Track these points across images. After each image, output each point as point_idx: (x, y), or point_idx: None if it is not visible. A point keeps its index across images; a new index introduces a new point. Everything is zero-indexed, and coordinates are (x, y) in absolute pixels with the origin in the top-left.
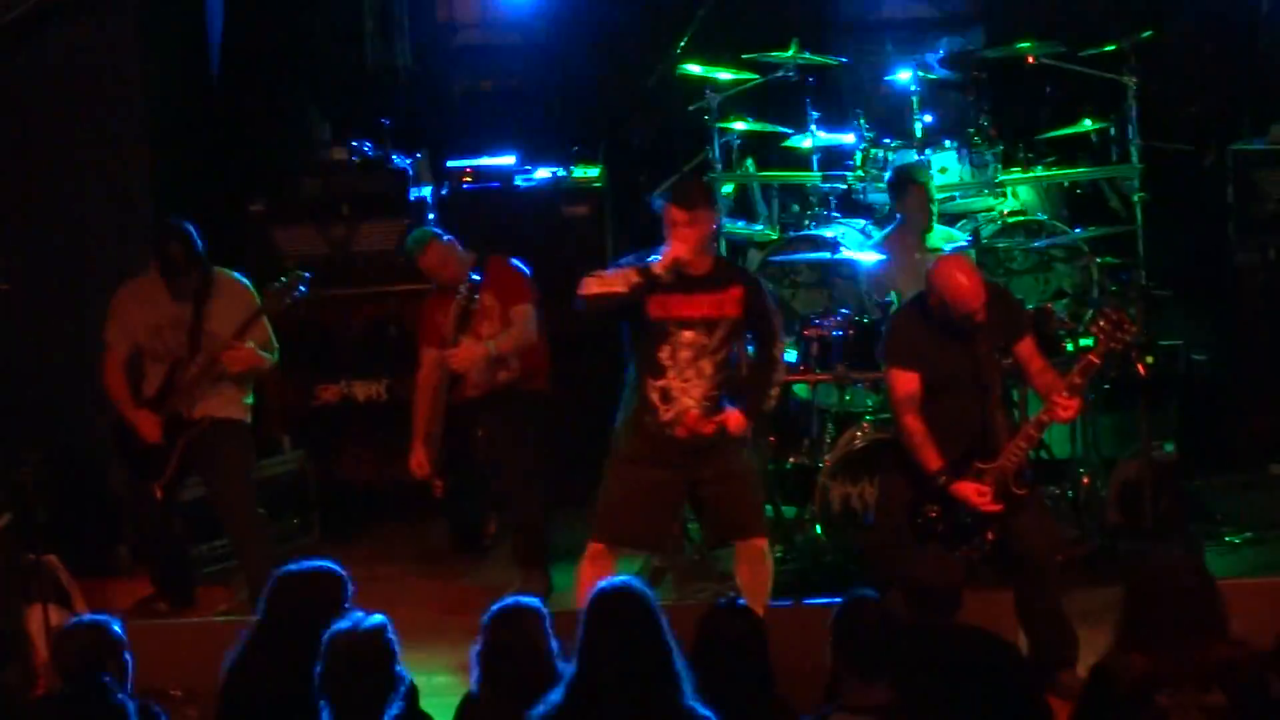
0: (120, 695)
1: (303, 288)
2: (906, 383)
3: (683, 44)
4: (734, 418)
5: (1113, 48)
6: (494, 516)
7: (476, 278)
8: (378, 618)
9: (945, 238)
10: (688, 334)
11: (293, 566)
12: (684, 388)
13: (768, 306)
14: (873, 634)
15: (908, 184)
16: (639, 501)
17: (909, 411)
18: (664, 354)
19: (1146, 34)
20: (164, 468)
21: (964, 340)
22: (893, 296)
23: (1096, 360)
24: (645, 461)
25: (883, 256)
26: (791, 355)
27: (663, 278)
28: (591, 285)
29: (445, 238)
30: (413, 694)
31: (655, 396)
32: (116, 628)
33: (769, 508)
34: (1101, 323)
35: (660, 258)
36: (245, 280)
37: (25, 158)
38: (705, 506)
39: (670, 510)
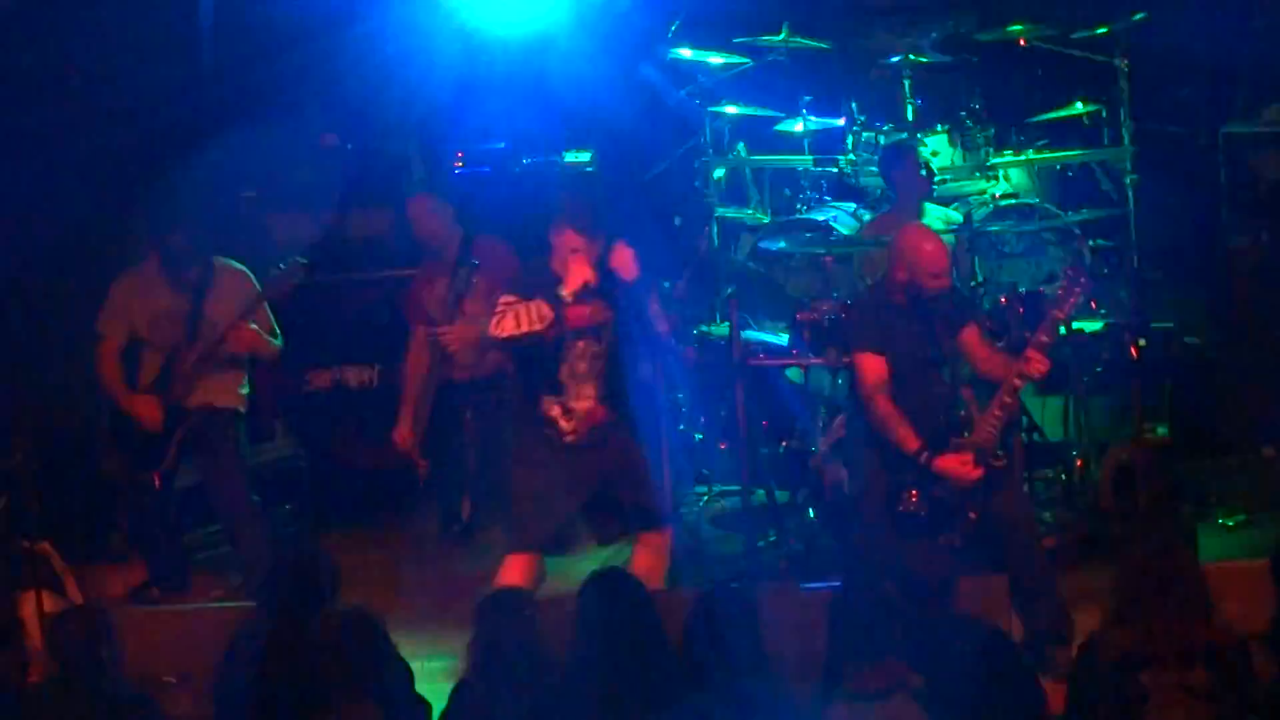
0: (115, 680)
1: (302, 274)
2: (875, 366)
3: (674, 28)
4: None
5: (1105, 30)
6: (469, 498)
7: (476, 262)
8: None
9: (942, 218)
10: (580, 344)
11: (285, 553)
12: (581, 395)
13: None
14: (872, 617)
15: (898, 159)
16: (552, 504)
17: (880, 394)
18: (563, 371)
19: (1138, 16)
20: (163, 455)
21: (920, 318)
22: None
23: (1060, 315)
24: (549, 465)
25: (878, 238)
26: (784, 339)
27: (571, 304)
28: (507, 325)
29: (443, 202)
30: (409, 678)
31: (557, 413)
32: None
33: (762, 492)
34: (1062, 281)
35: (565, 284)
36: (245, 269)
37: (13, 147)
38: (609, 499)
39: (578, 508)
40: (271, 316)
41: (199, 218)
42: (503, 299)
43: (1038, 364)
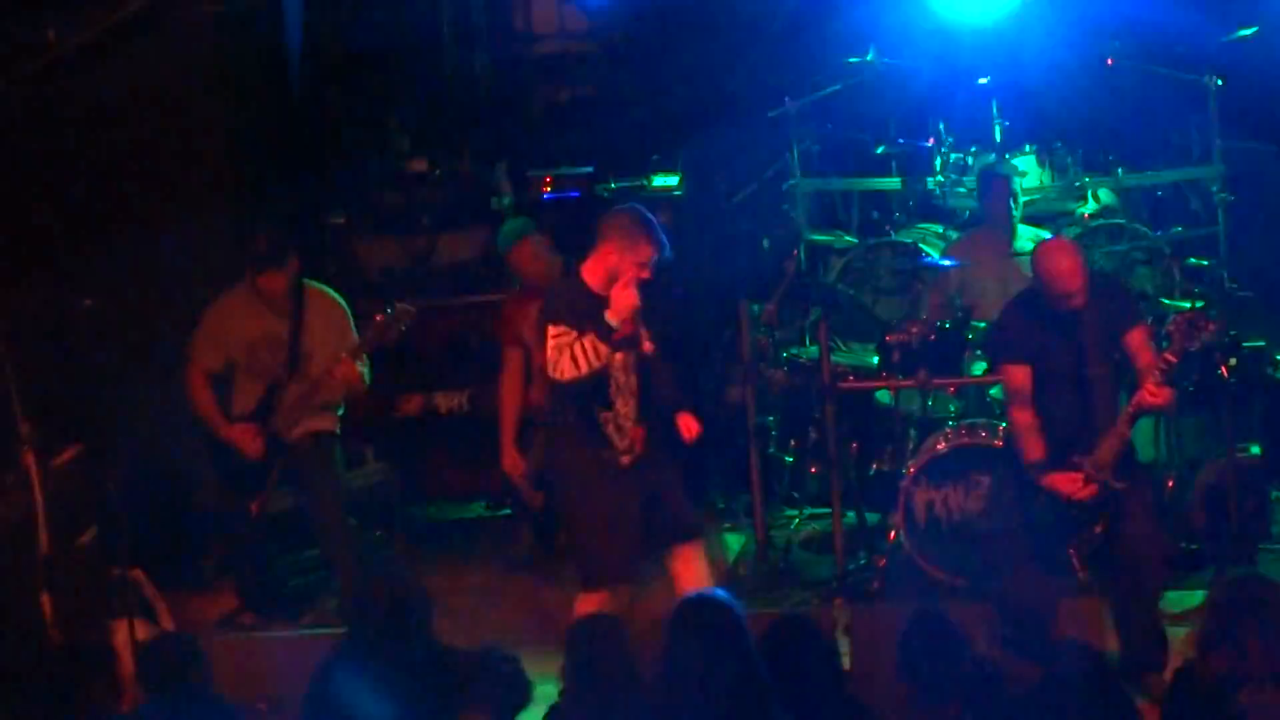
0: (207, 707)
1: (407, 320)
2: (1016, 376)
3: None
4: (691, 426)
5: (1193, 49)
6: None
7: None
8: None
9: (1031, 239)
10: (619, 356)
11: (376, 579)
12: (627, 412)
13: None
14: (940, 654)
15: (988, 180)
16: (623, 535)
17: (1018, 404)
18: (610, 386)
19: (1232, 36)
20: (262, 485)
21: (1070, 331)
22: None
23: (1173, 359)
24: (608, 495)
25: (965, 261)
26: (873, 361)
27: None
28: (566, 368)
29: (538, 234)
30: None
31: (610, 429)
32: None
33: (852, 515)
34: (1178, 321)
35: (615, 311)
36: (338, 296)
37: (106, 174)
38: (649, 515)
39: (639, 534)
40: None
41: (291, 240)
42: (552, 333)
43: (1150, 397)
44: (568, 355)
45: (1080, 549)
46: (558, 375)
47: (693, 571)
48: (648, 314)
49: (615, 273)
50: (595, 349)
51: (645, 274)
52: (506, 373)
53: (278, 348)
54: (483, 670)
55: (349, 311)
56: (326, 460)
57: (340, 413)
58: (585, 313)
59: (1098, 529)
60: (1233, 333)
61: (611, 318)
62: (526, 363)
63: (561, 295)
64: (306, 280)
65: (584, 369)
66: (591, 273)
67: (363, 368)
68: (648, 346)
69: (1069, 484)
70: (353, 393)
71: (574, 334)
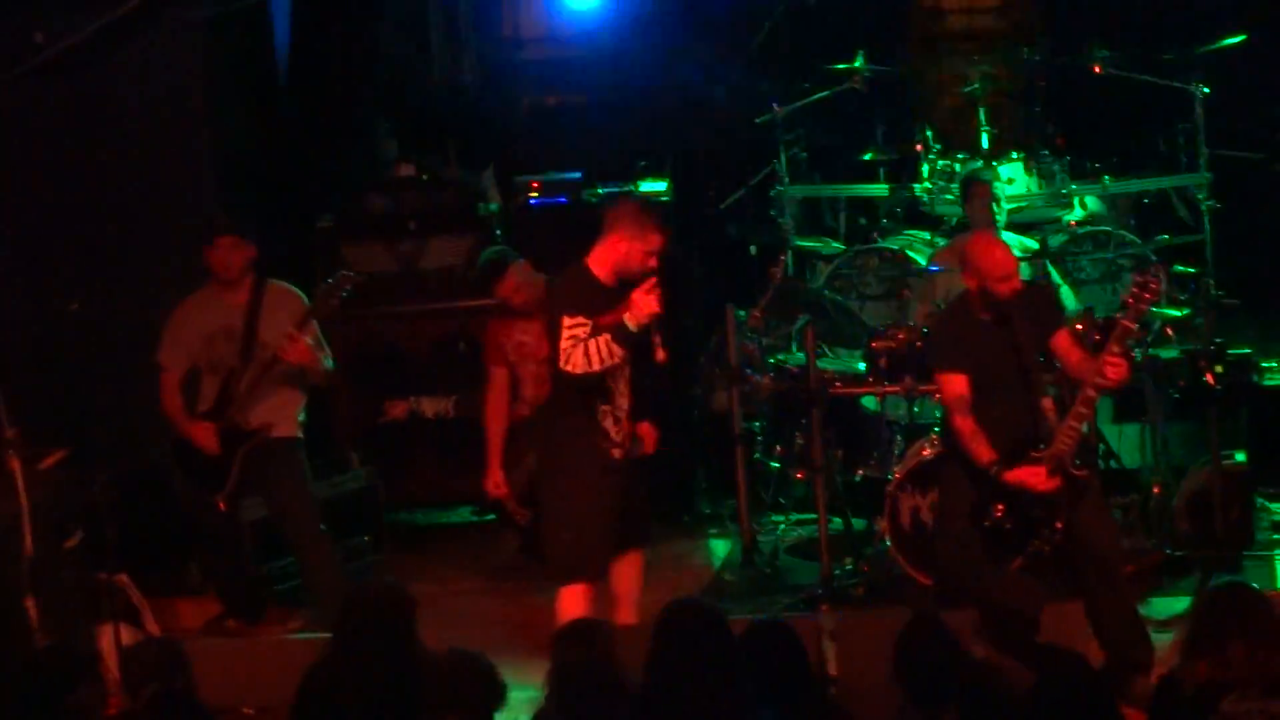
0: (192, 712)
1: (350, 286)
2: (955, 384)
3: (750, 57)
4: (651, 435)
5: (1180, 56)
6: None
7: None
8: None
9: (1017, 245)
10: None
11: (362, 585)
12: (624, 404)
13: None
14: (936, 658)
15: (971, 185)
16: (607, 530)
17: (959, 412)
18: (611, 380)
19: (1214, 43)
20: (225, 479)
21: (1005, 330)
22: None
23: (1131, 325)
24: (600, 487)
25: (951, 267)
26: (860, 367)
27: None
28: (578, 361)
29: (519, 260)
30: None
31: (609, 423)
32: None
33: (838, 520)
34: (1132, 289)
35: (635, 315)
36: (297, 289)
37: (93, 177)
38: (622, 514)
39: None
40: (320, 334)
41: (249, 235)
42: (567, 324)
43: (1112, 370)
44: (581, 350)
45: (1044, 547)
46: (570, 368)
47: (634, 578)
48: (661, 321)
49: (624, 262)
50: (609, 348)
51: (654, 263)
52: (491, 392)
53: (234, 339)
54: (454, 670)
55: (308, 302)
56: (289, 467)
57: (303, 418)
58: (595, 304)
59: (1058, 525)
60: (1219, 340)
61: (631, 321)
62: (512, 382)
63: (572, 287)
64: (269, 279)
65: (596, 366)
66: (599, 263)
67: (326, 360)
68: (661, 355)
69: (1033, 477)
70: (310, 373)
71: (589, 326)
